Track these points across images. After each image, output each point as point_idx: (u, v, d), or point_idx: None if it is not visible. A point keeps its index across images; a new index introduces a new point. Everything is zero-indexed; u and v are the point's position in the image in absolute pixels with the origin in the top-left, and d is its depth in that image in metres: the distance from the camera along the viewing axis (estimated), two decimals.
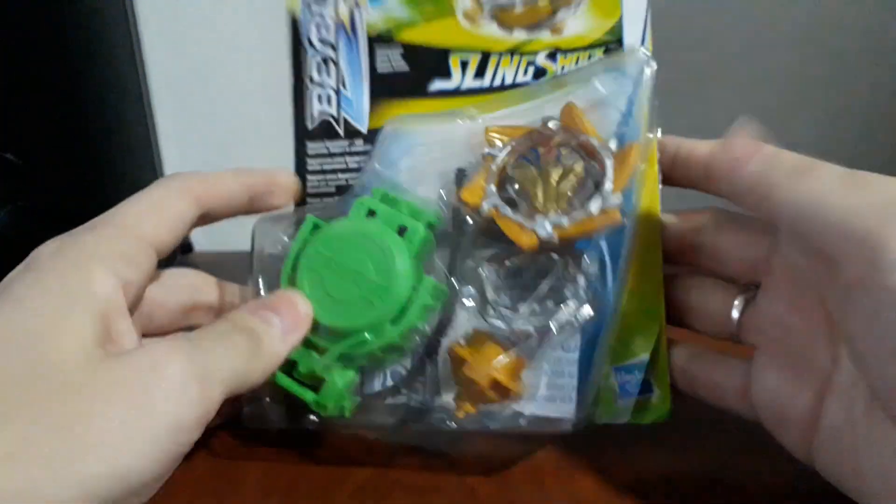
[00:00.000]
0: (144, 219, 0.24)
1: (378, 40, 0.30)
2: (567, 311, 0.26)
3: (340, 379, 0.26)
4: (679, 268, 0.28)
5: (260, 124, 0.49)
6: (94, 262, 0.21)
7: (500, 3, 0.29)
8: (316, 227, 0.28)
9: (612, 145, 0.27)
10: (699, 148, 0.27)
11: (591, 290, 0.26)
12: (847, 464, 0.21)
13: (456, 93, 0.29)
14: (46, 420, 0.17)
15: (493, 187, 0.27)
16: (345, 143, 0.30)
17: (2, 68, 0.36)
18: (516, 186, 0.27)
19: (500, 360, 0.25)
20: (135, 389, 0.19)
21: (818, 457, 0.22)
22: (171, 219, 0.25)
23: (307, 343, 0.26)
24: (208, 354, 0.21)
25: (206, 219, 0.28)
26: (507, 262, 0.27)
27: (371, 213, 0.27)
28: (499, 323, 0.26)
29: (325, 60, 0.30)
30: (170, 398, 0.19)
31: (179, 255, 0.54)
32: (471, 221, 0.27)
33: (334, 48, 0.30)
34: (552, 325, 0.25)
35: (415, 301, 0.26)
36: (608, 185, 0.26)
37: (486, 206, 0.26)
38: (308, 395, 0.26)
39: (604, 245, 0.27)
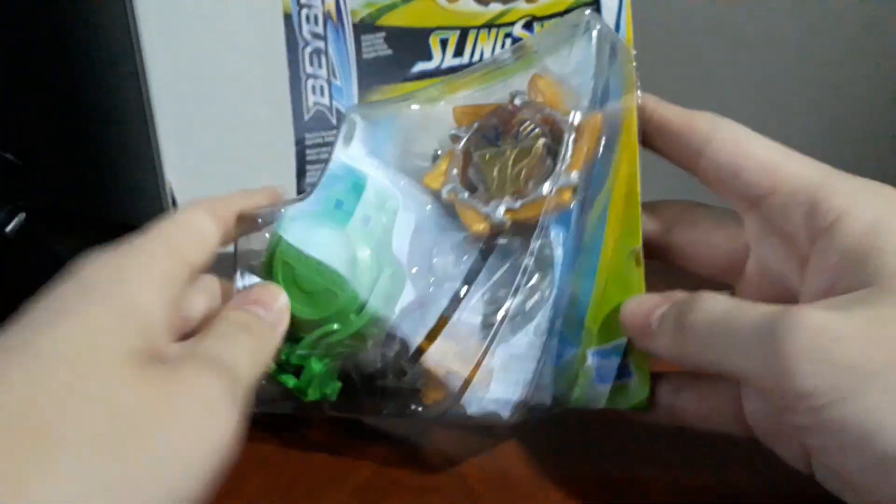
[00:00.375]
0: (185, 242, 0.24)
1: (362, 27, 0.30)
2: (517, 300, 0.24)
3: (317, 364, 0.26)
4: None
5: (260, 124, 0.49)
6: (142, 280, 0.21)
7: None
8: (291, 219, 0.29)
9: (576, 118, 0.24)
10: (671, 117, 0.24)
11: (546, 275, 0.24)
12: (842, 475, 0.19)
13: (437, 73, 0.29)
14: (100, 443, 0.17)
15: (455, 171, 0.26)
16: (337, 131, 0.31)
17: (2, 68, 0.37)
18: (475, 170, 0.26)
19: (455, 350, 0.24)
20: (181, 412, 0.18)
21: (817, 470, 0.20)
22: (207, 242, 0.26)
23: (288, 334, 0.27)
24: (227, 364, 0.21)
25: (223, 240, 0.29)
26: (467, 249, 0.25)
27: (339, 203, 0.27)
28: (454, 314, 0.25)
29: (316, 52, 0.31)
30: (212, 420, 0.19)
31: None
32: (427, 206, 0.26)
33: (324, 39, 0.31)
34: (499, 316, 0.23)
35: (376, 290, 0.26)
36: (562, 165, 0.24)
37: (444, 192, 0.25)
38: (290, 381, 0.27)
39: (563, 227, 0.24)
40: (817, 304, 0.19)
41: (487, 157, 0.25)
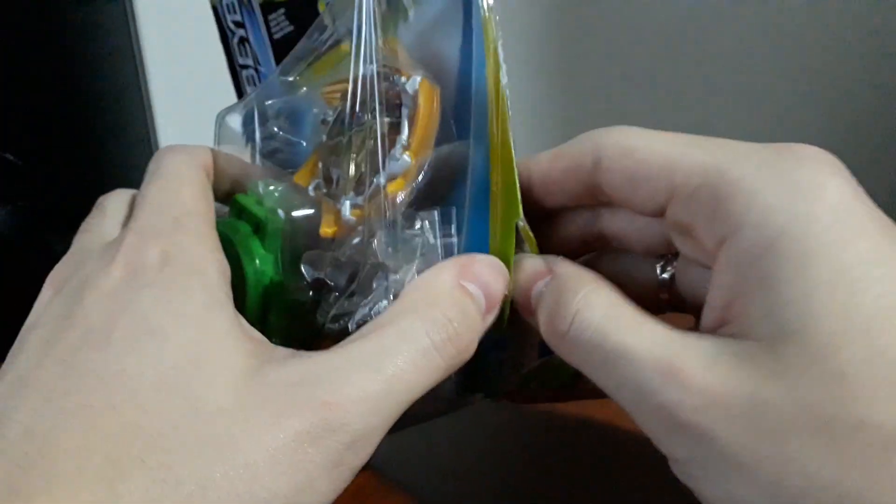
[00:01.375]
0: (202, 202, 0.22)
1: (266, 6, 0.28)
2: (363, 310, 0.21)
3: None
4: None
5: None
6: (208, 266, 0.19)
7: None
8: None
9: (413, 86, 0.20)
10: (546, 164, 0.21)
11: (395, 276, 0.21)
12: None
13: (341, 42, 0.25)
14: (220, 473, 0.16)
15: (320, 164, 0.23)
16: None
17: (2, 68, 0.36)
18: (334, 161, 0.23)
19: None
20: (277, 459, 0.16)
21: None
22: (210, 195, 0.23)
23: None
24: (388, 371, 0.17)
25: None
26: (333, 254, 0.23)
27: (238, 212, 0.25)
28: (321, 318, 0.22)
29: (241, 41, 0.30)
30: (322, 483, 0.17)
31: None
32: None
33: (244, 27, 0.29)
34: (350, 326, 0.21)
35: (274, 301, 0.23)
36: (397, 146, 0.20)
37: (311, 189, 0.23)
38: None
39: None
40: (703, 364, 0.16)
41: (340, 146, 0.22)
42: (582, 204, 0.22)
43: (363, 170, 0.22)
